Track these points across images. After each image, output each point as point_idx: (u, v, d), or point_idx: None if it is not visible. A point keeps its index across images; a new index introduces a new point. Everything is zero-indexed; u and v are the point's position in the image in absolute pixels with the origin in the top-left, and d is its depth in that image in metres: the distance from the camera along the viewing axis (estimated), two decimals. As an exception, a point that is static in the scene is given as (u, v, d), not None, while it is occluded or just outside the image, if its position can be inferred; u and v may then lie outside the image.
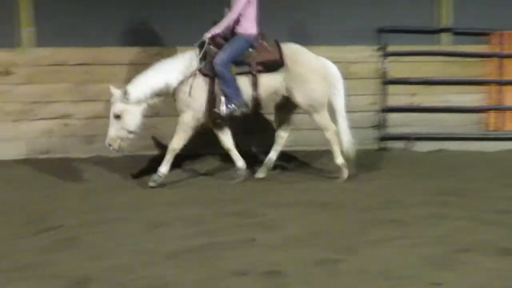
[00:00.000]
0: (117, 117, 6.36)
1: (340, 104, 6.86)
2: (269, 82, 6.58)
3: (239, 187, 6.61)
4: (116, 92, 6.39)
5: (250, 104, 6.58)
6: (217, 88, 6.48)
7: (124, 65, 7.56)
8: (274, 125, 7.07)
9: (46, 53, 7.54)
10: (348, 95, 6.91)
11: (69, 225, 5.33)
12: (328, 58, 6.89)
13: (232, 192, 6.38)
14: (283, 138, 7.00)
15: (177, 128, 6.57)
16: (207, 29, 6.49)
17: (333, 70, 6.85)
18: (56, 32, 7.53)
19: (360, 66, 8.09)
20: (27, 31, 7.37)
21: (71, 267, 4.40)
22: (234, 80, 6.45)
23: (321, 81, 6.71)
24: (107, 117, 6.48)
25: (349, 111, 6.81)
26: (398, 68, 8.18)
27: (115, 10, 7.64)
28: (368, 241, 4.89)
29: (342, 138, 6.85)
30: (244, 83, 6.52)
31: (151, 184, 6.53)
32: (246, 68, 6.53)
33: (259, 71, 6.54)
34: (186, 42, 6.71)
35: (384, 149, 8.20)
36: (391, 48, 8.12)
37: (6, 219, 5.56)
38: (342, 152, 6.84)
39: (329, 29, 7.98)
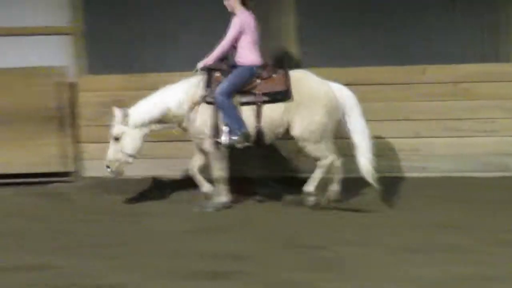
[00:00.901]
0: (116, 139, 6.40)
1: (355, 128, 6.43)
2: (274, 113, 6.33)
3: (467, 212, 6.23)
4: (118, 113, 6.40)
5: (253, 135, 6.35)
6: (220, 117, 6.36)
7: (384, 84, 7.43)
8: None
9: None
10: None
11: (325, 244, 5.30)
12: None
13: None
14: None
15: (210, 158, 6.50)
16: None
17: (343, 95, 6.44)
18: (320, 53, 7.52)
19: None
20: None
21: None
22: (235, 111, 6.30)
23: (322, 112, 6.32)
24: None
25: None
26: None
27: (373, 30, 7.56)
28: None
29: (360, 165, 6.39)
30: (248, 113, 6.34)
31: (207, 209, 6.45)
32: (250, 98, 6.34)
33: (264, 102, 6.32)
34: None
35: None
36: None
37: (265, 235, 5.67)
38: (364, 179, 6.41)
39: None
